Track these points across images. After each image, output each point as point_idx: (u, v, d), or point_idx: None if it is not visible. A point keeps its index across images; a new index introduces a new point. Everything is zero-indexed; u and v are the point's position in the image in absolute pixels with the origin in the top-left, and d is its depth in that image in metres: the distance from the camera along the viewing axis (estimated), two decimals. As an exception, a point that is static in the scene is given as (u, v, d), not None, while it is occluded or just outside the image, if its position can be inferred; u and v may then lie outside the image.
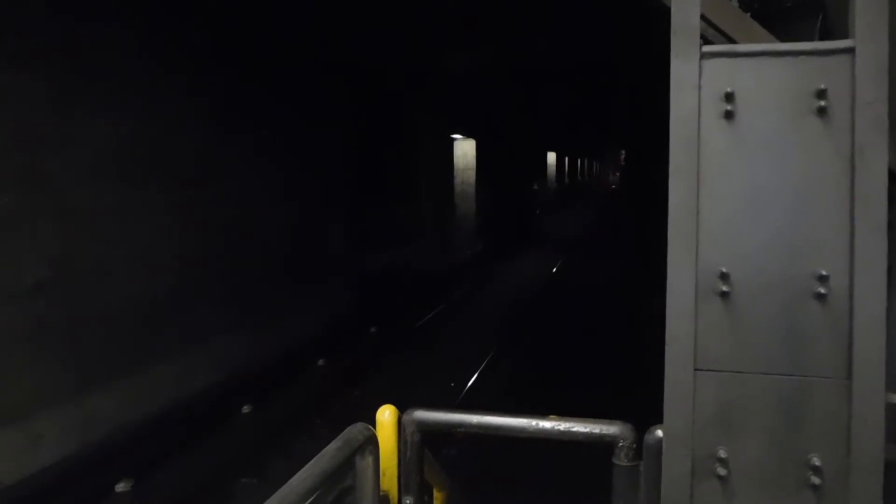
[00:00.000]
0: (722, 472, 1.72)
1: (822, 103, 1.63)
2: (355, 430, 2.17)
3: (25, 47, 5.50)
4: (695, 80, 1.69)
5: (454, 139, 19.09)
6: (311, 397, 8.11)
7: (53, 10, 5.71)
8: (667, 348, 1.73)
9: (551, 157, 36.55)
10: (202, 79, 7.65)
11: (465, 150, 19.87)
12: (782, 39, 1.87)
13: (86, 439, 6.05)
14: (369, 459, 2.17)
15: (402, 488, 2.35)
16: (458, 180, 19.60)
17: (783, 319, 1.69)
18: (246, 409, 7.71)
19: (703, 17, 1.72)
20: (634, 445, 2.09)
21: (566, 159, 44.48)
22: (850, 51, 1.61)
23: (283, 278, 9.48)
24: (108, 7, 6.28)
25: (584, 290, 15.38)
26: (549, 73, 15.56)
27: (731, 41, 1.87)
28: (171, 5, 7.03)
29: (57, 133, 5.80)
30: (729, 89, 1.67)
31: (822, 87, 1.62)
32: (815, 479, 1.67)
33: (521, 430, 2.25)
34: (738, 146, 1.69)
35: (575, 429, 2.18)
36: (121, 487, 5.86)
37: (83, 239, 6.08)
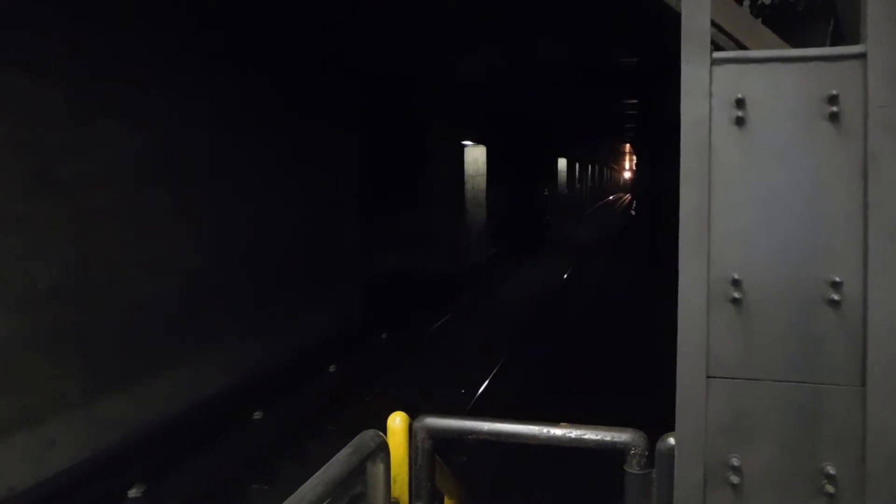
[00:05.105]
0: (735, 480, 1.71)
1: (834, 109, 1.62)
2: (366, 436, 2.17)
3: (41, 53, 5.58)
4: (706, 87, 1.68)
5: (465, 145, 19.13)
6: (322, 403, 8.12)
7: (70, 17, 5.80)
8: (678, 355, 1.72)
9: (562, 163, 36.51)
10: (212, 80, 7.71)
11: (475, 156, 19.91)
12: (793, 45, 1.86)
13: (98, 444, 6.09)
14: (380, 466, 2.17)
15: (413, 495, 2.35)
16: (468, 186, 19.63)
17: (796, 326, 1.68)
18: (257, 414, 7.73)
19: (713, 23, 1.72)
20: (646, 453, 2.08)
21: (577, 165, 44.41)
22: (862, 56, 1.60)
23: (297, 284, 9.51)
24: (124, 16, 6.37)
25: (595, 296, 15.33)
26: (559, 78, 15.56)
27: (742, 47, 1.86)
28: (182, 10, 7.11)
29: (72, 139, 5.87)
30: (740, 95, 1.67)
31: (834, 92, 1.62)
32: (830, 488, 1.65)
33: (533, 437, 2.25)
34: (749, 152, 1.68)
35: (586, 436, 2.18)
36: (133, 493, 5.89)
37: (98, 244, 6.13)
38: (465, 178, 19.44)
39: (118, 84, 6.35)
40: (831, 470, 1.65)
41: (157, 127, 6.84)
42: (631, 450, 2.10)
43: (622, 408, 4.93)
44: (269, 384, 8.24)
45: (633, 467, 2.10)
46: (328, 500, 1.90)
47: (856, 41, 1.67)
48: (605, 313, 13.44)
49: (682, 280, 1.72)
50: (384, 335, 11.06)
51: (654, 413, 2.37)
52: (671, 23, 1.88)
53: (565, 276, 18.23)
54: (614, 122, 31.23)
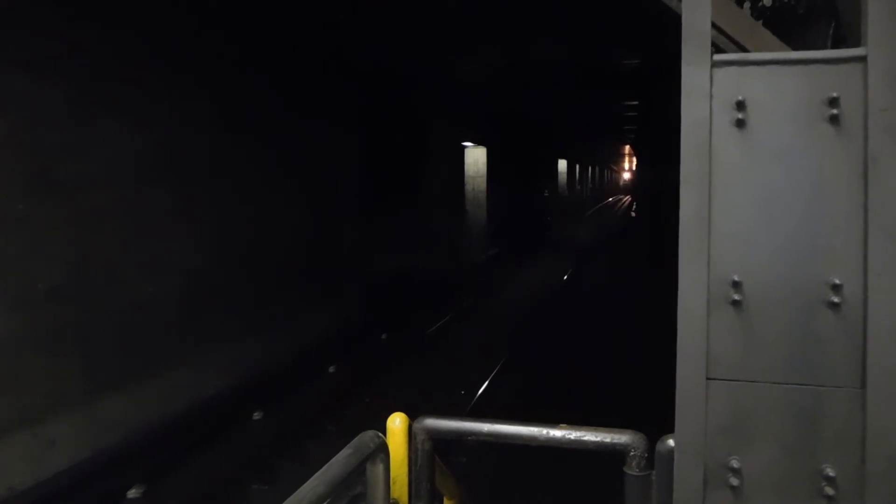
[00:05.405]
0: (734, 482, 1.71)
1: (835, 111, 1.62)
2: (366, 437, 2.17)
3: (41, 53, 5.58)
4: (706, 89, 1.68)
5: (465, 146, 19.15)
6: (322, 403, 8.13)
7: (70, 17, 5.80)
8: (678, 357, 1.72)
9: (562, 164, 36.52)
10: (212, 80, 7.72)
11: (476, 157, 19.93)
12: (794, 47, 1.86)
13: (98, 444, 6.09)
14: (380, 467, 2.17)
15: (413, 496, 2.35)
16: (469, 187, 19.64)
17: (796, 328, 1.68)
18: (257, 415, 7.73)
19: (713, 25, 1.72)
20: (646, 455, 2.08)
21: (577, 166, 44.42)
22: (863, 59, 1.60)
23: (297, 284, 9.51)
24: (124, 16, 6.37)
25: (595, 296, 15.33)
26: (559, 78, 15.56)
27: (743, 49, 1.86)
28: (182, 10, 7.12)
29: (72, 139, 5.87)
30: (740, 97, 1.67)
31: (835, 95, 1.62)
32: (829, 490, 1.65)
33: (532, 438, 2.25)
34: (749, 154, 1.68)
35: (586, 438, 2.18)
36: (133, 493, 5.89)
37: (98, 244, 6.13)
38: (466, 178, 19.46)
39: (118, 84, 6.35)
40: (831, 472, 1.65)
41: (157, 127, 6.84)
42: (630, 451, 2.10)
43: (622, 408, 4.94)
44: (269, 384, 8.24)
45: (632, 469, 2.10)
46: (328, 501, 1.90)
47: (857, 43, 1.67)
48: (606, 313, 13.45)
49: (681, 282, 1.72)
50: (384, 335, 11.05)
51: (655, 413, 2.38)
52: (672, 23, 1.88)
53: (565, 276, 18.23)
54: (614, 123, 31.26)
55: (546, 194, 29.28)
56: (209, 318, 7.65)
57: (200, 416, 7.20)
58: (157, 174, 6.86)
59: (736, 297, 1.69)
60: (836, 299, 1.63)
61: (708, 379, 1.72)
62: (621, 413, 3.62)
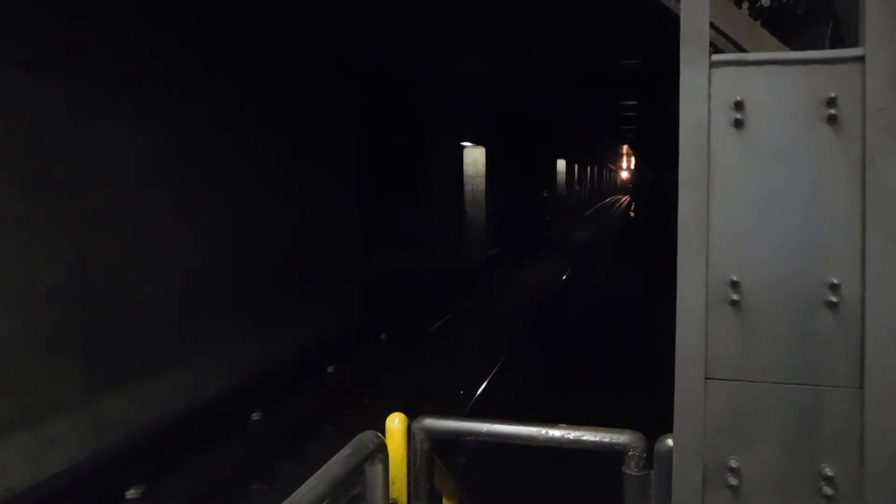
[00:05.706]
0: (733, 481, 1.71)
1: (833, 111, 1.62)
2: (365, 437, 2.17)
3: (41, 53, 5.58)
4: (704, 89, 1.68)
5: (464, 146, 19.14)
6: (322, 403, 8.13)
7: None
8: (677, 357, 1.72)
9: (561, 164, 36.50)
10: (212, 80, 7.72)
11: (475, 157, 19.93)
12: (792, 48, 1.86)
13: (98, 444, 6.09)
14: (379, 467, 2.17)
15: (412, 496, 2.35)
16: (468, 187, 19.64)
17: (794, 328, 1.67)
18: (257, 415, 7.73)
19: (712, 25, 1.72)
20: (645, 455, 2.08)
21: (576, 166, 44.41)
22: (861, 59, 1.60)
23: (297, 284, 9.51)
24: (124, 16, 6.37)
25: (595, 296, 15.33)
26: (559, 78, 15.55)
27: (741, 49, 1.86)
28: (182, 10, 7.12)
29: (72, 139, 5.87)
30: (739, 98, 1.67)
31: (833, 95, 1.61)
32: (828, 490, 1.65)
33: (531, 438, 2.25)
34: (748, 155, 1.68)
35: (585, 437, 2.18)
36: (132, 493, 5.89)
37: (98, 244, 6.13)
38: (465, 178, 19.46)
39: (118, 84, 6.36)
40: (829, 472, 1.65)
41: (157, 127, 6.84)
42: (629, 451, 2.10)
43: (622, 408, 4.94)
44: (269, 384, 8.24)
45: (631, 469, 2.10)
46: (327, 501, 1.90)
47: (855, 44, 1.67)
48: (605, 313, 13.45)
49: (680, 282, 1.71)
50: (384, 335, 11.05)
51: (654, 413, 2.38)
52: (671, 24, 1.88)
53: (565, 276, 18.23)
54: (613, 123, 31.23)
55: (545, 194, 29.29)
56: (209, 318, 7.65)
57: (200, 416, 7.20)
58: (157, 174, 6.86)
59: (735, 297, 1.69)
60: (834, 299, 1.63)
61: (707, 379, 1.72)
62: (621, 413, 3.63)
